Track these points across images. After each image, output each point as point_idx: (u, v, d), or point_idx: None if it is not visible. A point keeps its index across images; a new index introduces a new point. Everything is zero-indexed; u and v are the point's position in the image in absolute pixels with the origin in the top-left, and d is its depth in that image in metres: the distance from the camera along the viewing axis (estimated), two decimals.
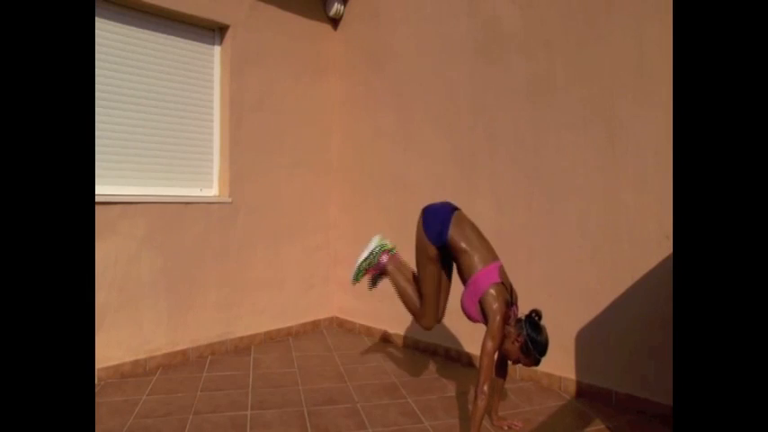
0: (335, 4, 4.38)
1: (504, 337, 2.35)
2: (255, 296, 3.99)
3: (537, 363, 2.31)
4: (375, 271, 2.92)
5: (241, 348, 3.87)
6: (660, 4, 2.74)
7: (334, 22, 4.55)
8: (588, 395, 3.03)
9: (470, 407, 2.84)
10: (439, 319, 2.78)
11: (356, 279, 2.92)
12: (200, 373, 3.34)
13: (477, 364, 3.53)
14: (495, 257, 2.47)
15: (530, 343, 2.27)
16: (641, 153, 2.83)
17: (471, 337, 3.57)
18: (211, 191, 3.88)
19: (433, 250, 2.56)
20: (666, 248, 2.74)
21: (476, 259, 2.43)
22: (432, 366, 3.55)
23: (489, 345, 2.27)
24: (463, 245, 2.46)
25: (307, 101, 4.36)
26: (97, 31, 3.21)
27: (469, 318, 2.47)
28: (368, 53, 4.30)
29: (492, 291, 2.33)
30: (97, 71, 3.21)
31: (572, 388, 3.10)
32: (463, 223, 2.54)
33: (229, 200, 3.81)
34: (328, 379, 3.27)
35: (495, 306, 2.31)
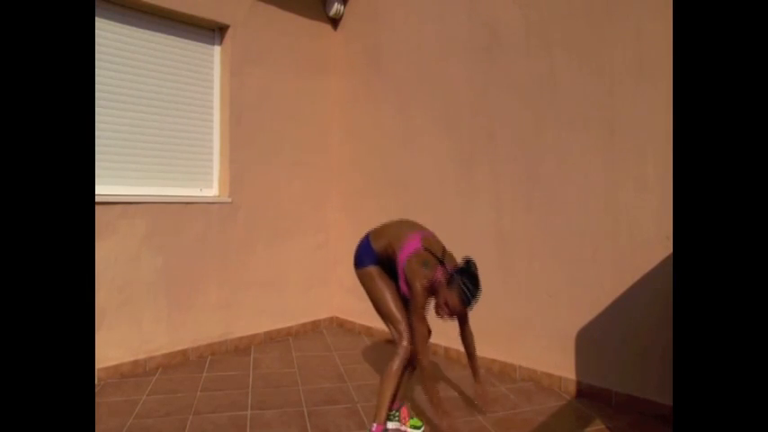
0: (335, 4, 4.38)
1: (434, 295, 2.24)
2: (255, 296, 3.99)
3: (463, 299, 2.14)
4: (404, 411, 2.63)
5: (241, 348, 3.87)
6: (660, 4, 2.73)
7: (334, 21, 4.55)
8: (588, 395, 3.02)
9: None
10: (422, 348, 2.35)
11: (417, 426, 2.56)
12: (200, 373, 3.34)
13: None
14: (417, 231, 2.39)
15: (455, 280, 2.15)
16: (641, 153, 2.83)
17: None
18: (211, 191, 3.88)
19: (372, 270, 2.48)
20: (666, 248, 2.74)
21: (396, 245, 2.36)
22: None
23: (414, 318, 2.22)
24: (383, 241, 2.42)
25: (307, 101, 4.36)
26: (97, 31, 3.21)
27: (407, 296, 2.36)
28: (368, 53, 4.30)
29: (411, 259, 2.26)
30: (97, 71, 3.21)
31: (572, 388, 3.09)
32: (380, 232, 2.50)
33: (229, 200, 3.81)
34: (328, 379, 3.27)
35: (414, 270, 2.23)
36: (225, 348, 3.79)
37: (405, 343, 2.37)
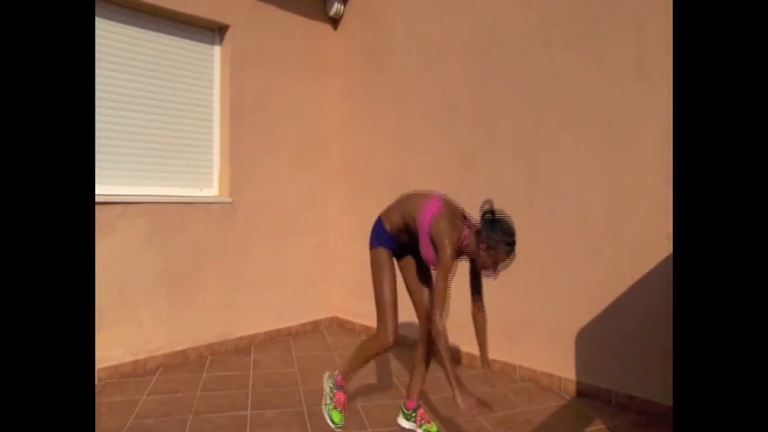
0: (335, 3, 4.38)
1: (467, 254, 2.22)
2: (255, 296, 3.99)
3: (509, 253, 2.13)
4: (341, 397, 2.54)
5: (241, 348, 3.87)
6: (660, 4, 2.73)
7: (334, 21, 4.55)
8: (588, 395, 3.02)
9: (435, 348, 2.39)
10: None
11: (334, 420, 2.50)
12: (200, 373, 3.34)
13: (477, 364, 3.53)
14: (432, 195, 2.35)
15: (493, 240, 2.10)
16: (641, 153, 2.83)
17: (470, 337, 3.56)
18: (211, 191, 3.88)
19: (381, 252, 2.42)
20: (666, 248, 2.74)
21: (415, 212, 2.31)
22: (431, 366, 3.54)
23: (440, 278, 2.13)
24: (397, 216, 2.37)
25: (307, 100, 4.36)
26: (97, 31, 3.21)
27: (430, 263, 2.29)
28: (368, 53, 4.30)
29: (436, 220, 2.20)
30: (97, 71, 3.21)
31: (572, 388, 3.10)
32: (391, 209, 2.44)
33: (229, 200, 3.81)
34: None
35: (441, 230, 2.17)
36: (225, 348, 3.79)
37: (382, 340, 2.34)
